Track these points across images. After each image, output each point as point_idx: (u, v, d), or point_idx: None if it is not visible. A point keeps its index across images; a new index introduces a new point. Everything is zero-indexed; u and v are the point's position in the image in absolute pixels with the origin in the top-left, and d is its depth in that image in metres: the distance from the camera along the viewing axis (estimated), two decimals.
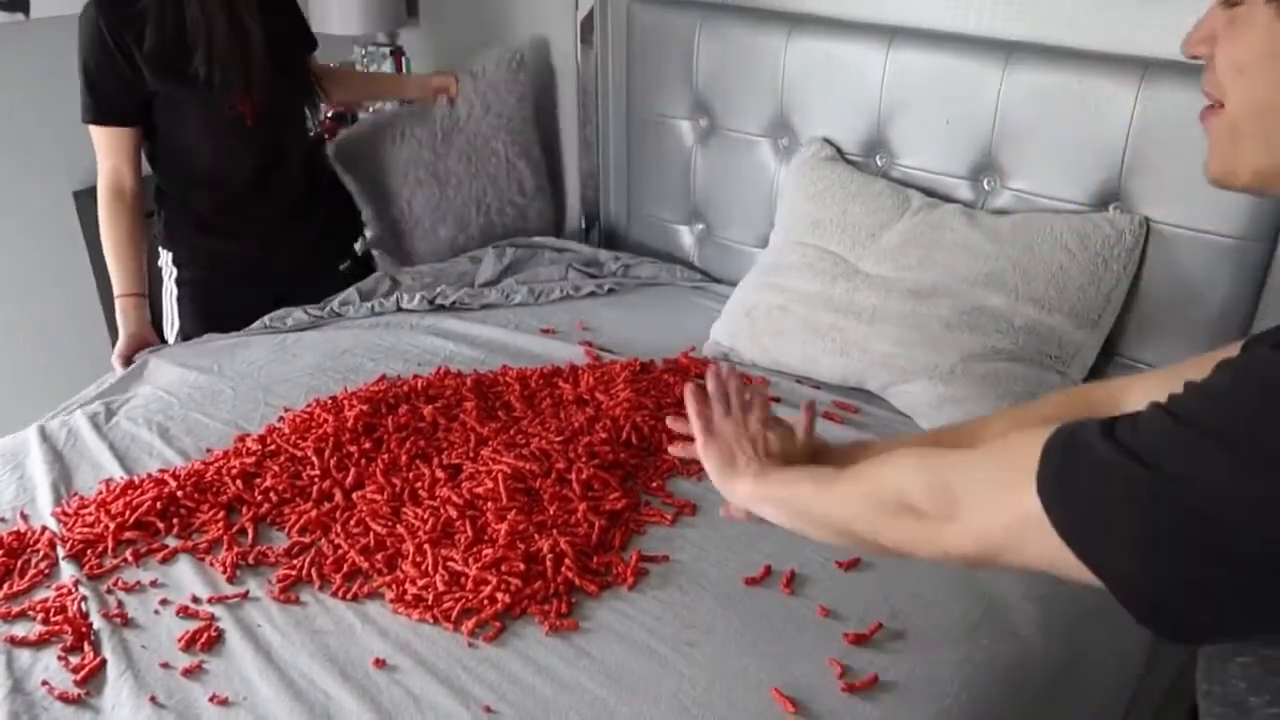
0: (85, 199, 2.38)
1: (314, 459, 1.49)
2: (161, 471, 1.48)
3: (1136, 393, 0.90)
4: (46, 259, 2.47)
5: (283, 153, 1.96)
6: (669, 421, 1.12)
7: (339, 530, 1.37)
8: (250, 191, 1.94)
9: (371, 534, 1.35)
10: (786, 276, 1.80)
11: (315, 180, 2.07)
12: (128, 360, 1.85)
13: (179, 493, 1.42)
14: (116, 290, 1.85)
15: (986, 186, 1.76)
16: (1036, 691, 1.19)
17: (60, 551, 1.34)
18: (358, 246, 2.26)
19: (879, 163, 1.89)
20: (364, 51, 2.80)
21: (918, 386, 1.59)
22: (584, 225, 2.51)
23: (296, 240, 2.03)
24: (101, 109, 1.76)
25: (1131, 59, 1.57)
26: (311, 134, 2.22)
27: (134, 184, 1.84)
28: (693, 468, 1.51)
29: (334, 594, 1.27)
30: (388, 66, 2.91)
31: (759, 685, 1.12)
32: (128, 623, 1.23)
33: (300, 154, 2.02)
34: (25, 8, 2.29)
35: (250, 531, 1.37)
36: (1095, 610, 1.31)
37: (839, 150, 1.93)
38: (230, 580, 1.30)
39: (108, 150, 1.80)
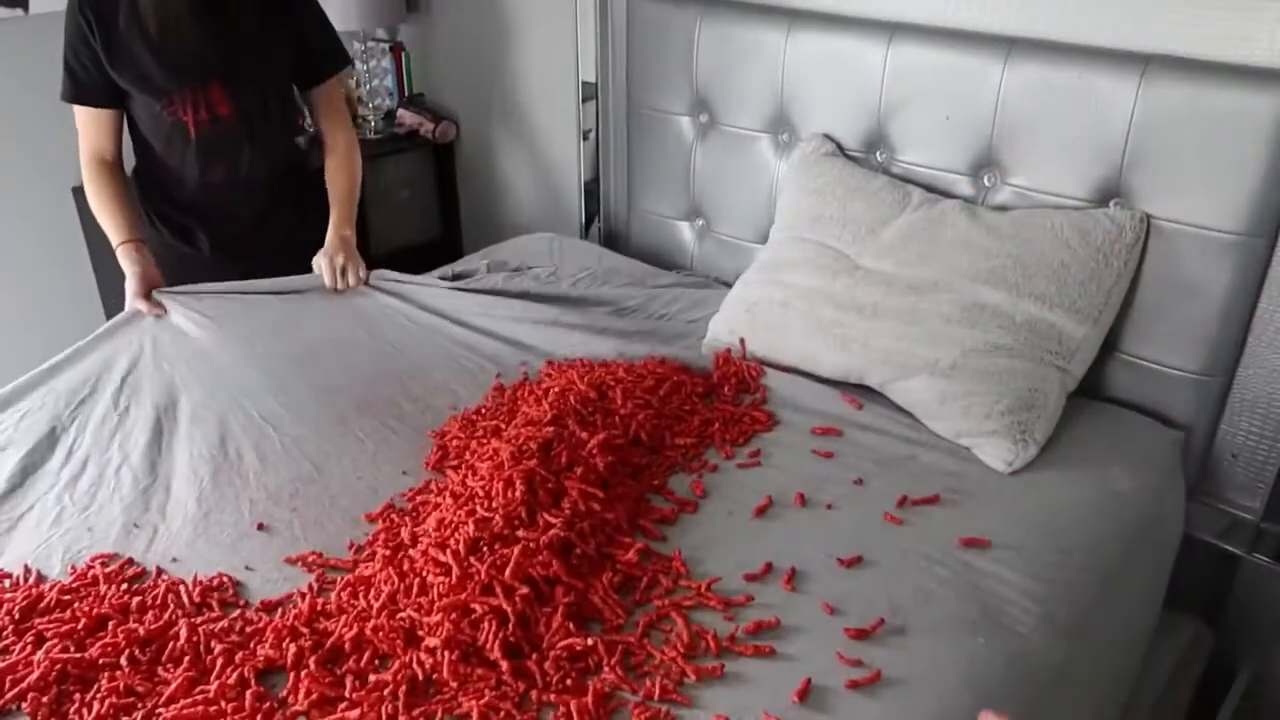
0: (85, 195, 2.38)
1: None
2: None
3: None
4: (46, 254, 2.47)
5: (236, 164, 1.89)
6: None
7: None
8: (202, 195, 1.90)
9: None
10: (787, 272, 1.80)
11: (287, 181, 2.00)
12: (147, 295, 1.80)
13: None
14: (115, 240, 1.83)
15: (987, 182, 1.76)
16: (1036, 689, 1.19)
17: None
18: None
19: (879, 158, 1.89)
20: (363, 47, 2.80)
21: (918, 382, 1.59)
22: (584, 221, 2.51)
23: (263, 241, 1.97)
24: (78, 90, 1.80)
25: (1133, 54, 1.57)
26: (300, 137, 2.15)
27: (114, 154, 1.87)
28: (693, 465, 1.51)
29: None
30: (387, 63, 2.91)
31: (763, 682, 1.13)
32: None
33: (266, 166, 1.93)
34: (24, 3, 2.29)
35: None
36: (1094, 609, 1.32)
37: (839, 146, 1.93)
38: None
39: (87, 128, 1.84)
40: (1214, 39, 1.52)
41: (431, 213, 3.04)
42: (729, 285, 1.95)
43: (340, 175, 1.98)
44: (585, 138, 2.42)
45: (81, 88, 1.79)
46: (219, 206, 1.92)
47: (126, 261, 1.82)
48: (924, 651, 1.17)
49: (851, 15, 1.88)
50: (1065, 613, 1.28)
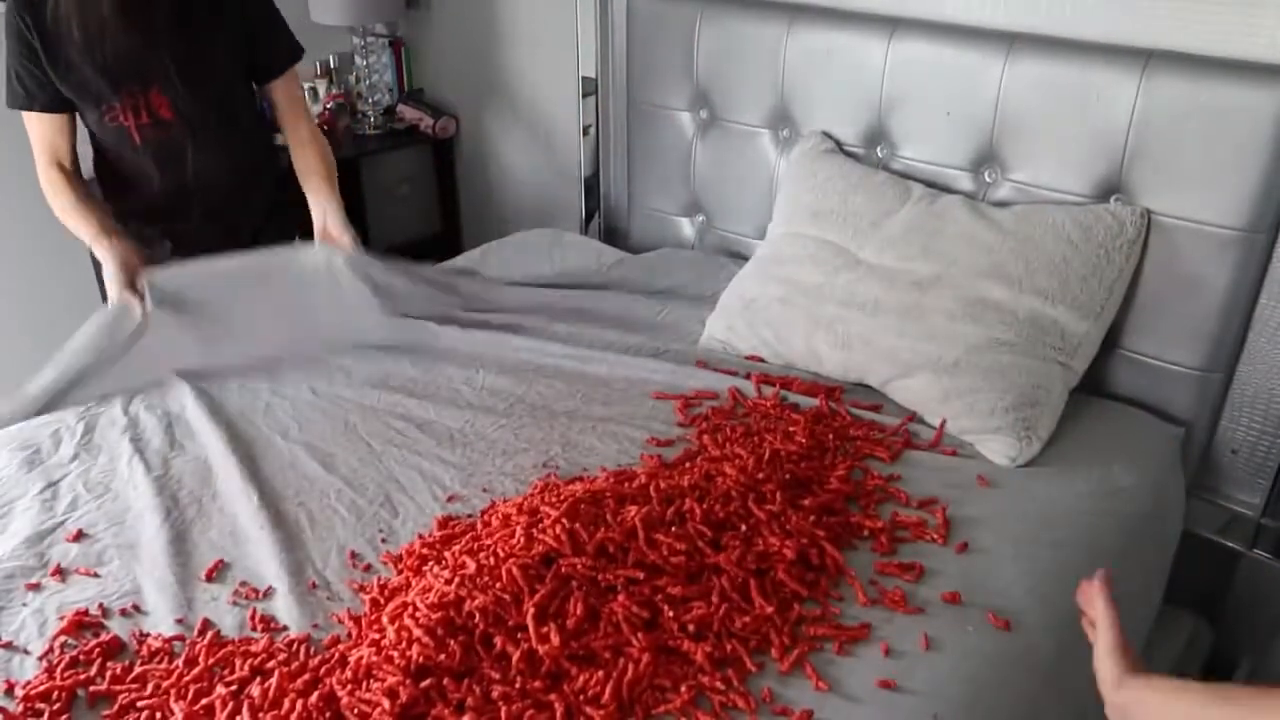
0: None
1: None
2: None
3: None
4: (45, 251, 2.47)
5: (184, 168, 1.85)
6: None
7: None
8: (158, 198, 1.87)
9: None
10: (787, 268, 1.80)
11: (249, 182, 1.97)
12: (131, 284, 1.75)
13: None
14: (89, 240, 1.79)
15: (988, 178, 1.76)
16: (1035, 683, 1.20)
17: None
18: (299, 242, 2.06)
19: (880, 154, 1.89)
20: (362, 43, 2.79)
21: (921, 380, 1.59)
22: (584, 217, 2.51)
23: (225, 245, 1.90)
24: (23, 97, 1.77)
25: (1134, 50, 1.57)
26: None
27: (71, 158, 1.84)
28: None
29: None
30: (387, 58, 2.90)
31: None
32: None
33: (219, 169, 1.89)
34: None
35: None
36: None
37: (838, 144, 1.93)
38: None
39: (38, 132, 1.81)
40: (1215, 34, 1.52)
41: (431, 208, 3.04)
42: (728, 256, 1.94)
43: (312, 165, 1.93)
44: (585, 133, 2.41)
45: (29, 94, 1.75)
46: (175, 210, 1.89)
47: (104, 253, 1.77)
48: (922, 652, 1.17)
49: (852, 10, 1.88)
50: (1064, 607, 1.28)
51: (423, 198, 3.01)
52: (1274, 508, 1.67)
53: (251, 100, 1.97)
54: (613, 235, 2.45)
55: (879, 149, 1.89)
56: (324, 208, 1.90)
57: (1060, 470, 1.50)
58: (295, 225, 1.99)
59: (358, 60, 2.82)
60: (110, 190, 1.91)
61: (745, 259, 1.96)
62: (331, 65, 2.86)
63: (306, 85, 2.77)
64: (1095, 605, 0.98)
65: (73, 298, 2.54)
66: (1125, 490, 1.48)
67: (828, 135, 1.93)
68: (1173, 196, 1.57)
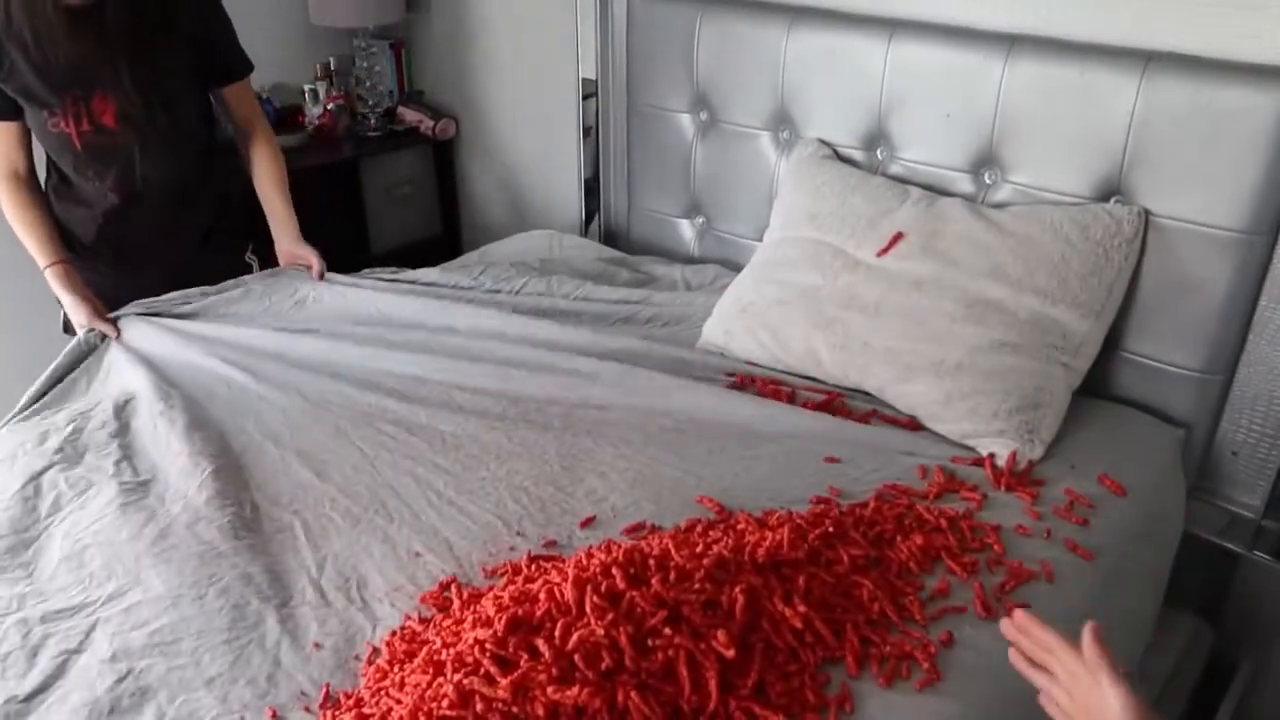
0: None
1: None
2: None
3: None
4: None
5: (128, 176, 1.83)
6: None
7: None
8: (101, 207, 1.86)
9: None
10: (785, 270, 1.80)
11: (192, 194, 1.93)
12: (101, 315, 1.79)
13: None
14: (41, 262, 1.81)
15: (988, 180, 1.76)
16: (1032, 692, 1.19)
17: None
18: (250, 257, 2.08)
19: (879, 156, 1.89)
20: (363, 45, 2.80)
21: (922, 384, 1.58)
22: (584, 219, 2.51)
23: (167, 259, 1.93)
24: None
25: (1134, 51, 1.57)
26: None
27: (27, 168, 1.84)
28: None
29: None
30: (387, 60, 2.90)
31: None
32: None
33: (162, 178, 1.86)
34: None
35: None
36: (1094, 606, 1.32)
37: (834, 151, 1.93)
38: None
39: None
40: (1215, 37, 1.51)
41: (432, 210, 3.04)
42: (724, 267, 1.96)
43: (265, 177, 1.96)
44: (585, 135, 2.41)
45: None
46: (122, 216, 1.88)
47: (59, 287, 1.80)
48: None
49: (852, 12, 1.88)
50: (1065, 609, 1.28)
51: (423, 199, 3.01)
52: (1274, 509, 1.66)
53: (203, 105, 1.94)
54: (612, 237, 2.45)
55: (879, 151, 1.89)
56: (279, 229, 1.94)
57: (1060, 471, 1.49)
58: (246, 223, 1.99)
59: (358, 62, 2.82)
60: (59, 198, 1.89)
61: (743, 263, 1.96)
62: (332, 67, 2.86)
63: (307, 87, 2.78)
64: (1086, 648, 0.93)
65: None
66: (1126, 492, 1.48)
67: (824, 142, 1.93)
68: (1173, 198, 1.57)
